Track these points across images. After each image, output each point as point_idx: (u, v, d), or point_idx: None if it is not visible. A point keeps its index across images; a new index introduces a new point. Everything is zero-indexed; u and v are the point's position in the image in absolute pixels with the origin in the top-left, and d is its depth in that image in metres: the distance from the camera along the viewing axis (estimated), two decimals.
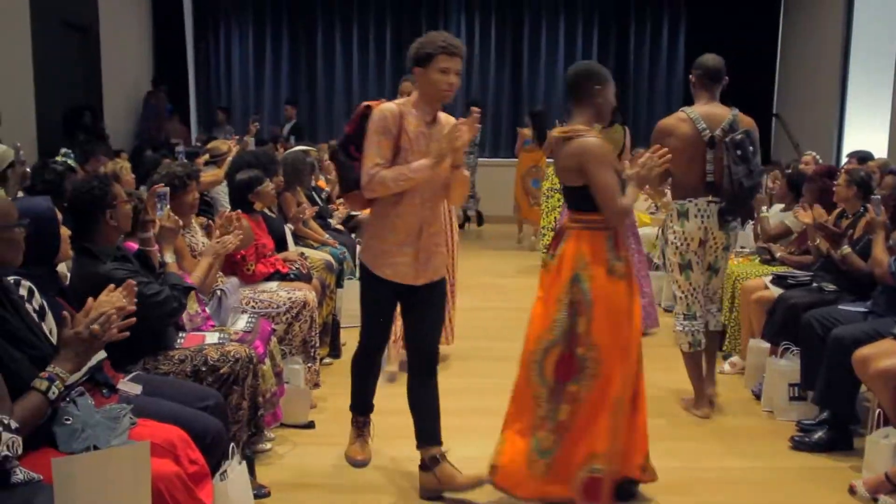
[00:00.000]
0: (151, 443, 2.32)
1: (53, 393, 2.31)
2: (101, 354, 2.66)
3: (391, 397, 4.80)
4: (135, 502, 2.15)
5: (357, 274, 6.33)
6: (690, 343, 4.38)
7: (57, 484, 2.05)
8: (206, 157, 6.46)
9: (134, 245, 3.71)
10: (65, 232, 2.94)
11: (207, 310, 3.84)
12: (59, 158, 5.37)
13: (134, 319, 2.46)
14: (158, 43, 11.22)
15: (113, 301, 2.43)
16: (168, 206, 3.66)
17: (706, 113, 4.25)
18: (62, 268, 3.37)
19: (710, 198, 4.22)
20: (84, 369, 2.53)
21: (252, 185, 4.85)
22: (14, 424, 2.13)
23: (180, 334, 3.48)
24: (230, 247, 3.95)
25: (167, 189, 3.74)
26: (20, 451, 2.12)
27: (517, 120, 12.58)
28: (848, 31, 9.91)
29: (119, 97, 9.74)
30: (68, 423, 2.41)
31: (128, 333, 2.45)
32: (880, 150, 8.08)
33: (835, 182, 4.82)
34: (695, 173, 4.22)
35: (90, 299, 2.45)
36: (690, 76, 4.43)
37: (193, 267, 3.98)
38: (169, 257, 3.52)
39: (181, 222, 3.77)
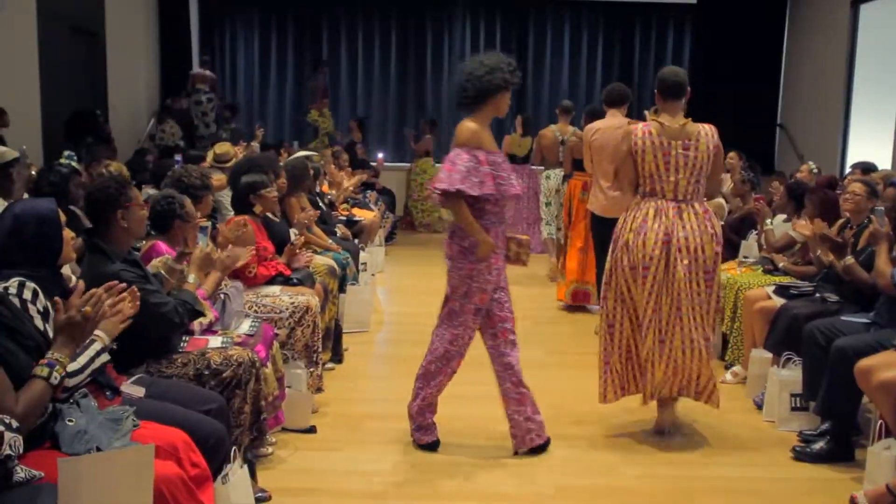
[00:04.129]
0: (154, 445, 2.33)
1: (55, 378, 2.33)
2: (105, 357, 2.67)
3: (388, 402, 4.82)
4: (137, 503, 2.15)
5: (359, 279, 6.35)
6: (549, 233, 8.17)
7: (62, 484, 2.06)
8: (211, 160, 6.49)
9: (162, 246, 3.74)
10: (67, 234, 2.95)
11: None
12: (62, 161, 5.39)
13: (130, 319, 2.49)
14: (165, 47, 11.26)
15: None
16: (208, 238, 3.78)
17: (561, 128, 8.20)
18: (66, 270, 3.39)
19: (558, 169, 8.02)
20: (87, 371, 2.54)
21: (256, 187, 4.88)
22: (15, 424, 2.15)
23: (184, 338, 3.49)
24: (239, 261, 4.01)
25: (209, 223, 3.89)
26: (21, 451, 2.13)
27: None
28: (853, 42, 9.91)
29: (125, 101, 9.78)
30: (71, 424, 2.42)
31: (130, 321, 2.47)
32: (884, 162, 8.08)
33: (852, 192, 4.71)
34: (555, 156, 8.12)
35: (80, 282, 2.47)
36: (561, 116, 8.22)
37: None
38: (192, 278, 3.53)
39: (214, 256, 3.83)
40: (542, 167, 8.38)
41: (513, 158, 9.46)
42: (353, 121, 11.95)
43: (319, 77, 11.85)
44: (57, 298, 2.46)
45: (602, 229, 5.62)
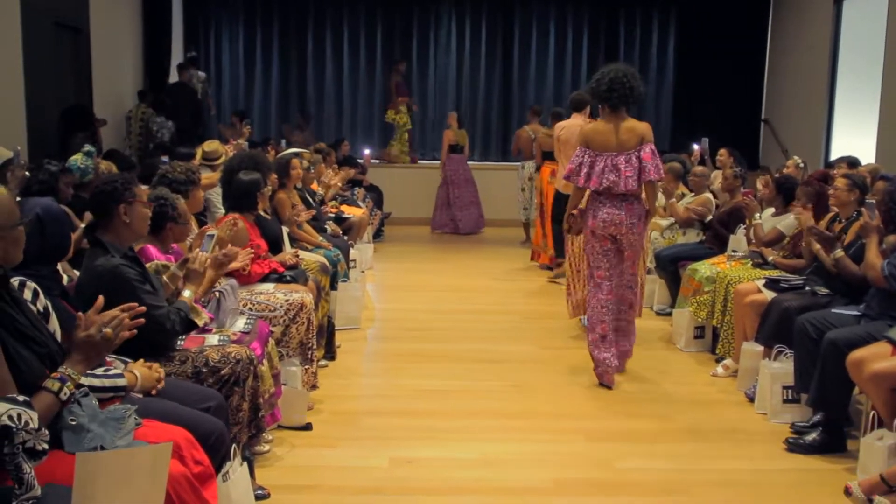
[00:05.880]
0: (171, 443, 2.33)
1: (65, 394, 2.31)
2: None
3: (382, 399, 4.83)
4: (149, 502, 2.14)
5: (350, 276, 6.34)
6: (526, 217, 10.00)
7: (78, 480, 2.04)
8: (200, 158, 6.46)
9: (152, 250, 3.72)
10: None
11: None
12: (80, 155, 5.37)
13: (142, 320, 2.47)
14: (149, 43, 11.18)
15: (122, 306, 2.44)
16: (210, 249, 3.72)
17: (533, 128, 9.65)
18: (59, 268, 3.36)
19: (531, 161, 9.46)
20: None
21: (260, 186, 4.87)
22: (21, 398, 2.13)
23: (181, 336, 3.47)
24: (236, 262, 4.00)
25: (215, 232, 3.85)
26: (36, 426, 2.10)
27: (507, 120, 12.64)
28: (836, 36, 10.00)
29: (110, 98, 9.70)
30: (73, 423, 2.40)
31: (135, 332, 2.46)
32: (868, 155, 8.15)
33: (835, 187, 4.81)
34: (529, 150, 9.65)
35: (101, 297, 2.45)
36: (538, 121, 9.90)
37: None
38: (187, 293, 3.49)
39: (212, 274, 3.79)
40: (520, 160, 10.06)
41: (453, 149, 11.02)
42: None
43: (394, 75, 11.83)
44: (80, 314, 2.44)
45: (564, 203, 6.52)
